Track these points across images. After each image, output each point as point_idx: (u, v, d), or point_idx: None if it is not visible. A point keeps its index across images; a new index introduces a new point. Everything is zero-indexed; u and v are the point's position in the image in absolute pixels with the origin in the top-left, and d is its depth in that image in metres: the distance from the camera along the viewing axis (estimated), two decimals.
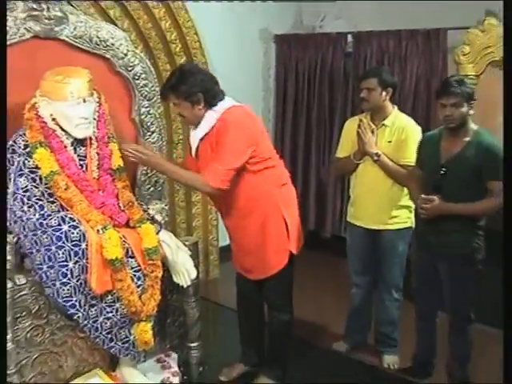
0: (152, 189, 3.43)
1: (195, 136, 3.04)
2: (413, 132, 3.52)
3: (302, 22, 5.98)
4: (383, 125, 3.54)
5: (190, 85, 2.90)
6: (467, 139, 3.08)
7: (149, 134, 3.36)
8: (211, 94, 2.94)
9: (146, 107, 3.34)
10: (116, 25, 3.97)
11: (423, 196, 3.15)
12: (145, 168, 3.38)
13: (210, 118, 2.93)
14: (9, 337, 2.60)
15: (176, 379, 3.13)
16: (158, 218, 3.04)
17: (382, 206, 3.58)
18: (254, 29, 5.61)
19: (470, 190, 3.05)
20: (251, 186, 2.92)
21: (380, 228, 3.62)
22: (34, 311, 2.72)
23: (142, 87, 3.31)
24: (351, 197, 3.81)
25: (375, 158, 3.47)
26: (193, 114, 2.96)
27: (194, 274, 3.01)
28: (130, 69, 3.25)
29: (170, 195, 4.75)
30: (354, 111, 5.13)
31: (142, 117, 3.34)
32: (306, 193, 5.62)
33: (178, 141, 4.80)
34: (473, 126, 3.11)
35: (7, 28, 2.83)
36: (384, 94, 3.50)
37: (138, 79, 3.28)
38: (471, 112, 3.06)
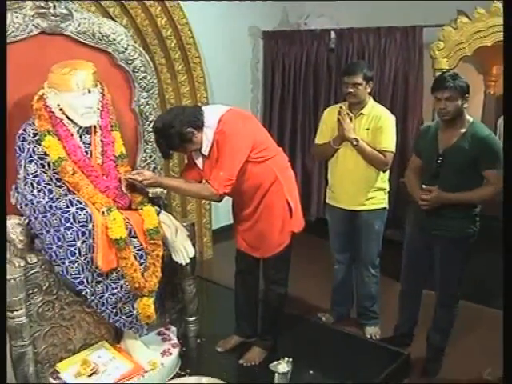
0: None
1: (200, 157, 3.00)
2: (388, 120, 3.58)
3: (288, 20, 5.98)
4: (361, 113, 3.58)
5: (179, 132, 2.83)
6: (463, 130, 3.10)
7: (147, 123, 3.37)
8: (195, 122, 2.86)
9: (145, 98, 3.34)
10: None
11: (424, 187, 3.17)
12: (143, 155, 3.39)
13: (208, 135, 2.88)
14: (22, 311, 2.63)
15: (176, 350, 3.16)
16: (158, 201, 3.06)
17: (359, 189, 3.63)
18: (243, 26, 5.60)
19: (465, 178, 3.07)
20: (256, 176, 2.92)
21: (358, 209, 3.66)
22: (44, 288, 2.74)
23: (141, 79, 3.30)
24: (330, 180, 3.85)
25: (354, 143, 3.51)
26: (196, 145, 2.92)
27: (192, 252, 3.03)
28: (129, 62, 3.24)
29: None
30: (336, 101, 5.13)
31: (141, 107, 3.34)
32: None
33: None
34: (468, 117, 3.12)
35: (17, 25, 2.84)
36: (367, 87, 3.55)
37: (137, 72, 3.28)
38: (466, 105, 3.07)
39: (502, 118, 4.59)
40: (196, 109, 2.99)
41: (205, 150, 2.92)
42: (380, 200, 3.68)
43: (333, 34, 5.33)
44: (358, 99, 3.54)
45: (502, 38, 4.09)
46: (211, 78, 5.09)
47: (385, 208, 3.72)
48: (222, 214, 5.27)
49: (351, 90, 3.52)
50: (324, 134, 3.73)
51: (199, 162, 2.99)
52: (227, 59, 5.37)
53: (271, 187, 2.97)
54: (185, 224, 3.15)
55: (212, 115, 2.90)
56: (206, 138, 2.88)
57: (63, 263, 2.59)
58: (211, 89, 5.08)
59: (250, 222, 3.05)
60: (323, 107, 5.28)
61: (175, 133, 2.82)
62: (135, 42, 3.48)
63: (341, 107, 3.59)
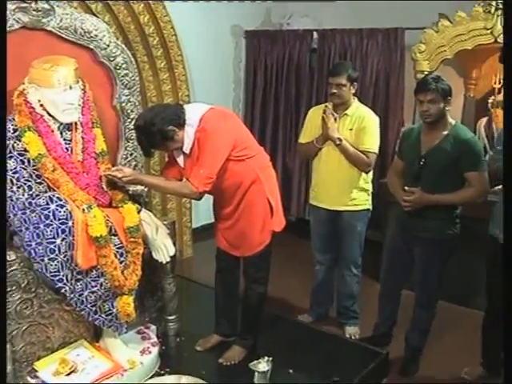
0: None
1: (181, 156, 2.99)
2: (371, 121, 3.60)
3: (271, 20, 6.00)
4: (345, 114, 3.60)
5: (161, 130, 2.81)
6: (445, 132, 3.13)
7: (129, 120, 3.35)
8: (177, 120, 2.85)
9: (127, 95, 3.33)
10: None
11: (406, 188, 3.20)
12: (124, 153, 3.37)
13: (190, 133, 2.87)
14: None
15: (155, 349, 3.14)
16: (139, 198, 3.04)
17: (342, 189, 3.65)
18: (226, 25, 5.61)
19: (447, 179, 3.10)
20: (237, 174, 2.92)
21: (340, 209, 3.69)
22: (23, 285, 2.71)
23: (122, 76, 3.29)
24: (313, 180, 3.87)
25: (337, 142, 3.53)
26: (177, 143, 2.90)
27: (172, 250, 3.01)
28: (111, 59, 3.22)
29: None
30: (318, 101, 5.16)
31: (123, 104, 3.32)
32: None
33: None
34: (451, 120, 3.16)
35: None
36: (352, 88, 3.57)
37: (119, 69, 3.26)
38: (448, 108, 3.10)
39: (481, 120, 4.65)
40: (177, 107, 2.98)
41: (186, 148, 2.91)
42: (363, 201, 3.70)
43: (315, 35, 5.36)
44: (342, 100, 3.56)
45: (481, 42, 4.15)
46: (193, 77, 5.08)
47: (368, 209, 3.74)
48: (202, 212, 5.27)
49: (335, 91, 3.54)
50: (308, 133, 3.74)
51: (180, 160, 2.98)
52: (209, 58, 5.38)
53: (252, 186, 2.97)
54: (165, 222, 3.14)
55: (194, 113, 2.89)
56: (188, 136, 2.88)
57: (42, 260, 2.56)
58: (193, 87, 5.07)
59: (231, 220, 3.05)
60: (305, 107, 5.35)
61: (156, 131, 2.81)
62: (117, 39, 3.47)
63: (326, 106, 3.61)
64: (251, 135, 3.10)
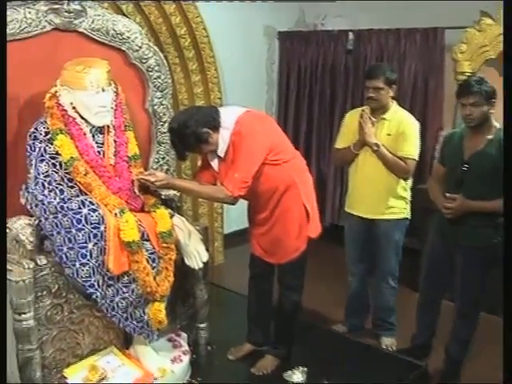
0: None
1: (215, 159, 3.01)
2: (411, 126, 3.54)
3: (305, 20, 5.99)
4: (383, 118, 3.55)
5: (195, 132, 2.85)
6: (489, 137, 3.07)
7: (161, 123, 3.38)
8: (211, 122, 2.88)
9: (159, 98, 3.36)
10: None
11: (447, 195, 3.16)
12: (156, 156, 3.40)
13: (225, 136, 2.89)
14: (31, 314, 2.62)
15: (186, 357, 3.15)
16: (171, 203, 3.06)
17: (378, 196, 3.60)
18: (259, 25, 5.62)
19: (490, 186, 3.04)
20: (272, 178, 2.92)
21: (376, 217, 3.63)
22: (53, 290, 2.74)
23: (155, 79, 3.32)
24: (349, 186, 3.83)
25: (375, 148, 3.48)
26: (211, 146, 2.93)
27: (205, 256, 3.02)
28: (144, 61, 3.26)
29: None
30: (353, 105, 5.14)
31: (155, 107, 3.35)
32: None
33: None
34: (495, 123, 3.10)
35: (29, 21, 2.85)
36: (390, 91, 3.52)
37: (151, 71, 3.30)
38: (492, 111, 3.05)
39: None
40: (212, 109, 3.00)
41: (220, 152, 2.92)
42: (401, 209, 3.64)
43: (351, 35, 5.33)
44: (380, 104, 3.51)
45: None
46: (225, 79, 5.10)
47: (406, 218, 3.67)
48: (234, 218, 5.28)
49: (372, 95, 3.49)
50: (345, 138, 3.70)
51: (214, 163, 3.00)
52: (242, 59, 5.39)
53: (288, 191, 2.96)
54: (197, 228, 3.15)
55: (229, 116, 2.90)
56: (222, 139, 2.89)
57: (74, 265, 2.59)
58: (225, 89, 5.08)
59: (266, 226, 3.05)
60: (340, 110, 5.32)
61: (190, 133, 2.83)
62: (149, 41, 3.49)
63: (363, 110, 3.56)
64: (287, 139, 3.09)
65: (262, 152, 2.86)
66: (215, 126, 2.88)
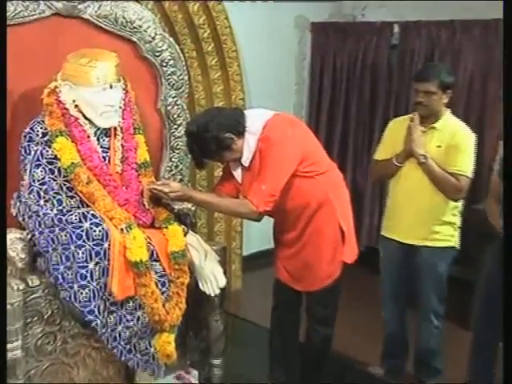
0: None
1: (239, 169, 3.05)
2: (466, 138, 3.47)
3: (342, 10, 6.01)
4: (433, 128, 3.48)
5: (216, 137, 2.88)
6: None
7: (175, 127, 3.42)
8: (235, 126, 2.92)
9: (173, 97, 3.40)
10: None
11: None
12: (168, 164, 3.43)
13: (251, 142, 2.92)
14: (18, 344, 2.63)
15: None
16: (185, 219, 3.07)
17: (421, 219, 3.53)
18: (288, 15, 5.65)
19: None
20: (304, 193, 2.94)
21: (417, 244, 3.57)
22: (46, 316, 2.74)
23: (169, 75, 3.36)
24: (387, 205, 3.80)
25: (422, 159, 3.42)
26: (235, 153, 2.97)
27: (222, 281, 3.02)
28: (157, 54, 3.30)
29: None
30: (397, 109, 5.15)
31: (169, 108, 3.39)
32: None
33: None
34: None
35: (26, 4, 2.90)
36: (444, 97, 3.46)
37: (165, 66, 3.34)
38: None
39: None
40: (236, 111, 3.03)
41: (245, 160, 2.94)
42: (447, 236, 3.56)
43: (396, 28, 5.33)
44: (430, 111, 3.46)
45: None
46: (248, 76, 5.13)
47: (453, 247, 3.59)
48: (254, 237, 5.30)
49: (422, 100, 3.44)
50: (386, 148, 3.67)
51: (237, 173, 3.02)
52: (268, 54, 5.42)
53: (321, 208, 2.97)
54: (215, 248, 3.16)
55: (256, 120, 2.93)
56: (248, 145, 2.91)
57: (71, 288, 2.60)
58: (248, 89, 5.11)
59: (295, 248, 3.06)
60: (381, 116, 5.34)
61: (211, 138, 2.85)
62: (163, 31, 3.52)
63: (413, 115, 3.52)
64: (322, 148, 3.11)
65: (293, 161, 2.88)
66: (240, 131, 2.90)
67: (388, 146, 3.67)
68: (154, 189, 2.91)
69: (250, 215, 2.93)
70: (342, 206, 3.05)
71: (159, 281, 2.80)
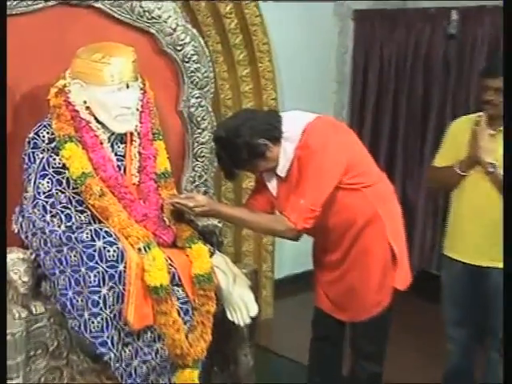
0: None
1: (274, 180, 3.07)
2: None
3: None
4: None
5: (248, 144, 2.89)
6: None
7: (199, 131, 3.45)
8: (270, 131, 2.93)
9: (197, 97, 3.43)
10: None
11: None
12: (191, 174, 3.45)
13: (288, 150, 2.94)
14: (19, 380, 2.65)
15: None
16: (211, 237, 3.09)
17: (491, 236, 3.50)
18: (326, 2, 5.64)
19: None
20: (349, 208, 2.94)
21: (486, 265, 3.57)
22: (51, 349, 2.78)
23: (192, 72, 3.40)
24: (450, 221, 3.79)
25: (490, 169, 3.41)
26: (270, 162, 2.98)
27: (254, 310, 3.03)
28: (179, 48, 3.34)
29: None
30: (454, 110, 5.11)
31: (192, 109, 3.43)
32: None
33: None
34: None
35: None
36: None
37: (188, 62, 3.37)
38: None
39: None
40: (272, 114, 3.04)
41: (281, 170, 2.95)
42: None
43: (454, 15, 5.30)
44: (501, 111, 3.46)
45: None
46: (282, 73, 5.14)
47: None
48: (287, 259, 5.29)
49: (491, 98, 3.43)
50: (448, 153, 3.66)
51: (272, 185, 3.03)
52: (303, 47, 5.41)
53: (369, 225, 2.96)
54: (245, 271, 3.18)
55: (294, 124, 2.94)
56: (285, 153, 2.92)
57: (81, 316, 2.61)
58: (282, 87, 5.11)
59: (338, 271, 3.06)
60: (436, 116, 5.31)
61: (243, 144, 2.86)
62: (186, 22, 3.54)
63: (479, 116, 3.52)
64: (370, 156, 3.10)
65: (337, 171, 2.88)
66: (276, 137, 2.91)
67: (450, 151, 3.65)
68: (177, 203, 2.93)
69: (287, 233, 2.93)
70: (392, 223, 3.04)
71: (181, 308, 2.82)
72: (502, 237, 3.44)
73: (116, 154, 2.92)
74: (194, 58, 3.37)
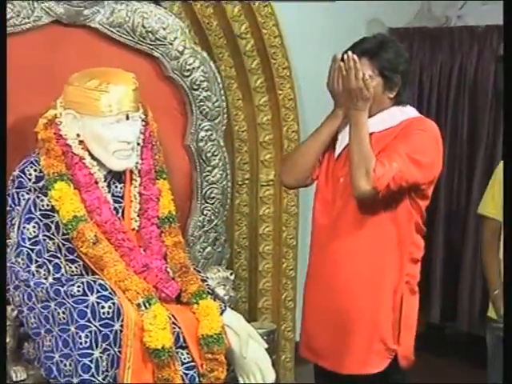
0: (209, 249, 3.54)
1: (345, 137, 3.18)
2: None
3: (431, 10, 6.04)
4: None
5: (396, 57, 3.12)
6: None
7: (208, 169, 3.47)
8: (406, 87, 3.16)
9: (207, 130, 3.46)
10: None
11: None
12: (199, 219, 3.45)
13: (396, 113, 3.12)
14: None
15: None
16: (221, 291, 3.09)
17: None
18: (359, 19, 5.65)
19: None
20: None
21: None
22: None
23: (202, 101, 3.44)
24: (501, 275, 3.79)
25: None
26: (378, 100, 3.10)
27: (271, 376, 3.02)
28: (186, 74, 3.38)
29: (229, 260, 4.79)
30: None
31: (201, 144, 3.46)
32: (429, 264, 5.56)
33: (242, 181, 4.83)
34: None
35: (17, 9, 2.99)
36: None
37: (197, 89, 3.41)
38: None
39: None
40: None
41: (378, 124, 3.13)
42: None
43: None
44: None
45: None
46: (304, 102, 5.15)
47: None
48: None
49: None
50: (496, 201, 3.69)
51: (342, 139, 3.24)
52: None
53: None
54: (261, 331, 3.18)
55: (411, 108, 3.23)
56: (393, 113, 3.14)
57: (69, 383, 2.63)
58: (304, 117, 5.10)
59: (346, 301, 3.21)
60: (485, 151, 5.27)
61: (404, 59, 3.19)
62: (195, 44, 3.56)
63: None
64: None
65: (435, 165, 3.09)
66: (401, 94, 3.17)
67: (498, 198, 3.66)
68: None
69: (365, 182, 2.96)
70: None
71: (186, 374, 2.80)
72: None
73: (113, 195, 2.95)
74: (204, 84, 3.41)
